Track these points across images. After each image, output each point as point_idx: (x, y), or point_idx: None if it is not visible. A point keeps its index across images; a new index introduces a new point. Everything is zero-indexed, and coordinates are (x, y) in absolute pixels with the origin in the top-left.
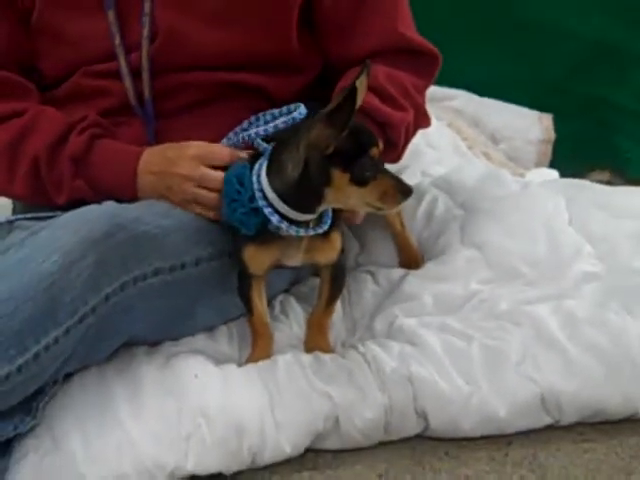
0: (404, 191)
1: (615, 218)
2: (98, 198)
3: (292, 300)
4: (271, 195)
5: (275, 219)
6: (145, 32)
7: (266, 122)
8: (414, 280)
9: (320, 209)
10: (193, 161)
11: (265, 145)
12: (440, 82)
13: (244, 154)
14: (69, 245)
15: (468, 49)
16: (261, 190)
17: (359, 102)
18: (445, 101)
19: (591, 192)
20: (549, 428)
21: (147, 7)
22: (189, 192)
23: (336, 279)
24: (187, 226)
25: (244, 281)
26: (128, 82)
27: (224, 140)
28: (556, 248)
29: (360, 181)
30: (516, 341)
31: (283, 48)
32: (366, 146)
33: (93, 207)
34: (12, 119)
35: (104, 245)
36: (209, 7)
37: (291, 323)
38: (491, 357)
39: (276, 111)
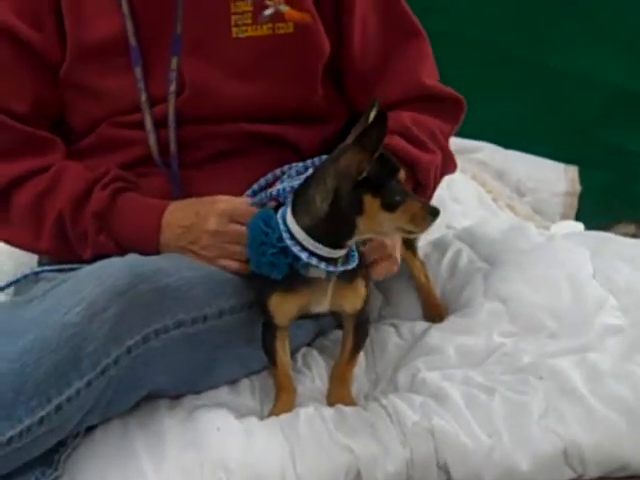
0: (433, 212)
1: (639, 271)
2: (122, 252)
3: (315, 353)
4: (299, 234)
5: (305, 256)
6: (172, 87)
7: (290, 176)
8: (437, 333)
9: (351, 242)
10: (223, 217)
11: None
12: (464, 134)
13: None
14: (92, 296)
15: (492, 100)
16: (288, 231)
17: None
18: (469, 153)
19: (616, 245)
20: None
21: (174, 63)
22: (217, 247)
23: (360, 329)
24: (210, 278)
25: (269, 333)
26: (152, 137)
27: (249, 192)
28: (580, 301)
29: (391, 205)
30: (539, 394)
31: (308, 100)
32: (393, 170)
33: (116, 259)
34: (37, 175)
35: (126, 297)
36: (235, 61)
37: (313, 376)
38: (513, 410)
39: (301, 165)
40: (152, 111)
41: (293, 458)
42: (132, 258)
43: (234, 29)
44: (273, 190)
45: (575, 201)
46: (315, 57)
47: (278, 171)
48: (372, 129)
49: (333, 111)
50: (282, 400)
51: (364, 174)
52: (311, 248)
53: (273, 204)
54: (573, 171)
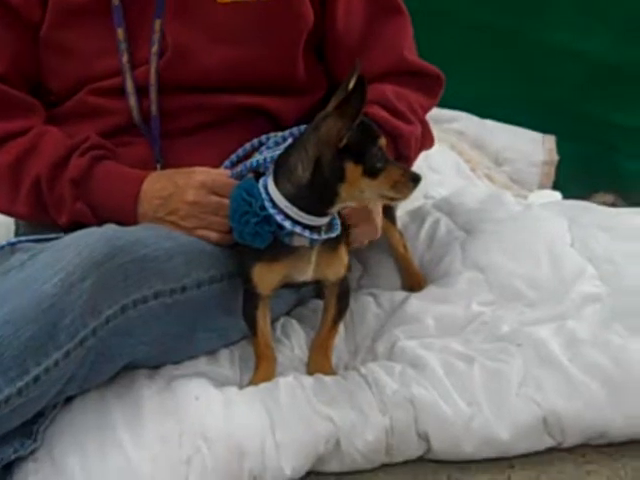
0: (414, 178)
1: (618, 240)
2: (99, 221)
3: (294, 322)
4: (282, 202)
5: (288, 224)
6: (154, 49)
7: (269, 147)
8: (416, 302)
9: (333, 210)
10: (202, 188)
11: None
12: (442, 104)
13: None
14: (69, 267)
15: (470, 70)
16: (270, 200)
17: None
18: (447, 123)
19: (594, 214)
20: (552, 450)
21: (157, 25)
22: (196, 218)
23: (341, 298)
24: (188, 249)
25: (250, 302)
26: (133, 100)
27: (226, 162)
28: (558, 269)
29: (372, 172)
30: (518, 363)
31: (288, 70)
32: (374, 137)
33: (93, 229)
34: (16, 138)
35: (104, 267)
36: (218, 26)
37: (293, 345)
38: (493, 379)
39: (280, 135)
40: (133, 74)
41: (272, 427)
42: (110, 229)
43: None
44: (252, 161)
45: (552, 171)
46: (298, 26)
47: (256, 141)
48: (352, 96)
49: (313, 83)
50: (262, 369)
51: (344, 141)
52: (294, 216)
53: (251, 175)
54: (551, 141)
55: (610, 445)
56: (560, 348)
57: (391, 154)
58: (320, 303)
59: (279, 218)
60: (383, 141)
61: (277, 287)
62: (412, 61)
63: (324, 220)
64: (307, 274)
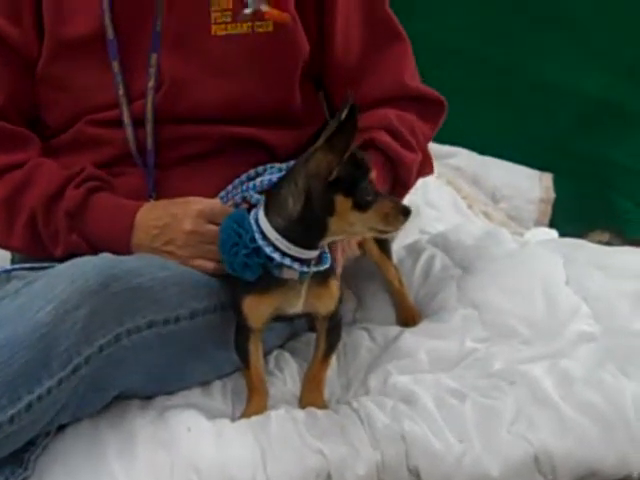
0: (405, 211)
1: (613, 278)
2: (94, 252)
3: (287, 355)
4: (272, 234)
5: (277, 256)
6: (151, 83)
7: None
8: (410, 337)
9: (323, 242)
10: (199, 218)
11: (257, 196)
12: (440, 140)
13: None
14: (64, 295)
15: (468, 107)
16: (260, 232)
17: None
18: (445, 158)
19: (589, 252)
20: None
21: (153, 59)
22: (193, 247)
23: (333, 331)
24: (183, 279)
25: (242, 335)
26: (130, 132)
27: (222, 193)
28: (552, 308)
29: (362, 206)
30: (510, 400)
31: (284, 101)
32: (365, 170)
33: (89, 258)
34: (11, 171)
35: (99, 296)
36: (214, 58)
37: (285, 378)
38: (484, 416)
39: (277, 167)
40: (130, 107)
41: (264, 460)
42: (105, 257)
43: (214, 27)
44: (242, 190)
45: (549, 208)
46: (293, 57)
47: (252, 172)
48: (341, 130)
49: (310, 114)
50: (254, 402)
51: (334, 175)
52: (284, 249)
53: (246, 206)
54: (548, 178)
55: None
56: (553, 386)
57: (389, 180)
58: (314, 336)
59: (268, 250)
60: (373, 174)
61: (268, 320)
62: (414, 86)
63: (314, 253)
64: (297, 307)
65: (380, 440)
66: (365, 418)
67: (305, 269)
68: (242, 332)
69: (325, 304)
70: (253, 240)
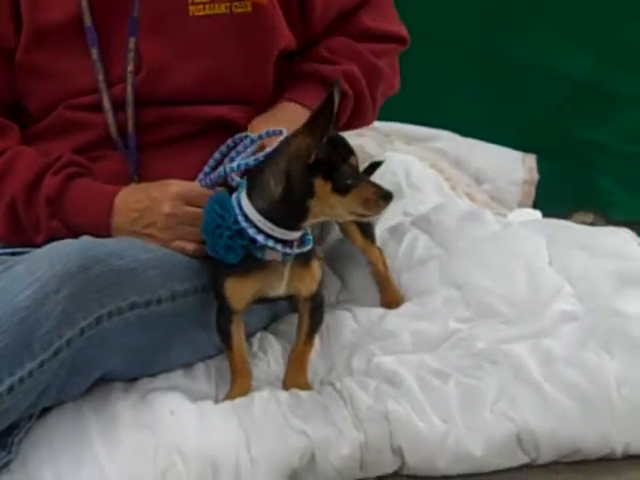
0: (385, 196)
1: (595, 258)
2: (75, 237)
3: (270, 337)
4: (255, 216)
5: (261, 238)
6: (130, 67)
7: (239, 152)
8: (393, 319)
9: (306, 224)
10: (178, 200)
11: (238, 179)
12: (423, 122)
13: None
14: (44, 278)
15: (451, 89)
16: (243, 214)
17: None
18: (428, 141)
19: (572, 232)
20: (526, 467)
21: (132, 43)
22: (173, 229)
23: (315, 312)
24: (164, 261)
25: (224, 316)
26: (110, 116)
27: (200, 175)
28: (535, 287)
29: (342, 189)
30: (493, 380)
31: (260, 82)
32: (345, 154)
33: (68, 241)
34: None
35: (79, 278)
36: (192, 39)
37: (269, 360)
38: (467, 395)
39: (248, 137)
40: (110, 91)
41: (247, 442)
42: (85, 240)
43: (191, 7)
44: (219, 170)
45: (533, 190)
46: (271, 39)
47: (224, 147)
48: (319, 113)
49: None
50: (238, 384)
51: (313, 157)
52: (267, 230)
53: (223, 188)
54: (531, 160)
55: (584, 462)
56: (536, 365)
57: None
58: (296, 317)
59: (251, 232)
60: (354, 159)
61: (250, 302)
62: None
63: (296, 234)
64: (279, 289)
65: (363, 420)
66: (348, 399)
67: (288, 250)
68: (224, 314)
69: (307, 285)
70: (236, 222)
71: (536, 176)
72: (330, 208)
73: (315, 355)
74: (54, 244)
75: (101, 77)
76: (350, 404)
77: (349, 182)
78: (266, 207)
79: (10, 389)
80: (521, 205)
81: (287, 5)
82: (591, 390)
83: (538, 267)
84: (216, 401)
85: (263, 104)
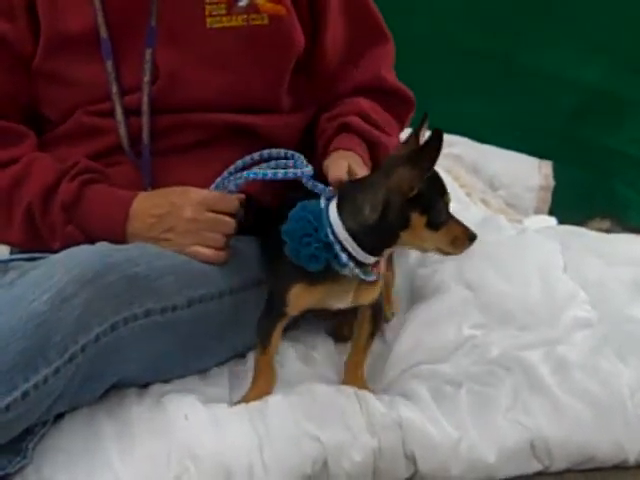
0: (472, 237)
1: (610, 265)
2: (91, 243)
3: (285, 343)
4: (343, 235)
5: (344, 257)
6: (147, 78)
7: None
8: (409, 325)
9: (389, 251)
10: (199, 205)
11: (321, 186)
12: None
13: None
14: (60, 284)
15: (468, 96)
16: (332, 229)
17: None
18: (445, 147)
19: (587, 239)
20: (539, 474)
21: (148, 54)
22: (193, 234)
23: (376, 316)
24: (180, 268)
25: (271, 319)
26: (123, 127)
27: (218, 180)
28: (550, 294)
29: (435, 225)
30: (506, 387)
31: (276, 92)
32: (441, 191)
33: (85, 247)
34: (7, 167)
35: (95, 285)
36: (209, 51)
37: (283, 364)
38: (480, 402)
39: (274, 151)
40: (123, 100)
41: (261, 447)
42: (101, 246)
43: (208, 19)
44: (248, 173)
45: (549, 196)
46: (288, 50)
47: (248, 158)
48: (426, 148)
49: (301, 102)
50: (258, 387)
51: (415, 191)
52: (351, 251)
53: (238, 194)
54: (547, 166)
55: (597, 470)
56: (549, 373)
57: (368, 160)
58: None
59: (337, 248)
60: (448, 197)
61: (306, 310)
62: (390, 80)
63: (375, 259)
64: (345, 301)
65: (377, 427)
66: (363, 405)
67: (365, 277)
68: (271, 316)
69: (370, 296)
70: (327, 235)
71: (552, 182)
72: (420, 241)
73: (328, 359)
74: (70, 250)
75: (115, 89)
76: (365, 410)
77: (442, 219)
78: (356, 229)
79: (25, 395)
80: (537, 212)
81: (300, 15)
82: (605, 397)
83: (553, 274)
84: (230, 404)
85: (278, 111)
